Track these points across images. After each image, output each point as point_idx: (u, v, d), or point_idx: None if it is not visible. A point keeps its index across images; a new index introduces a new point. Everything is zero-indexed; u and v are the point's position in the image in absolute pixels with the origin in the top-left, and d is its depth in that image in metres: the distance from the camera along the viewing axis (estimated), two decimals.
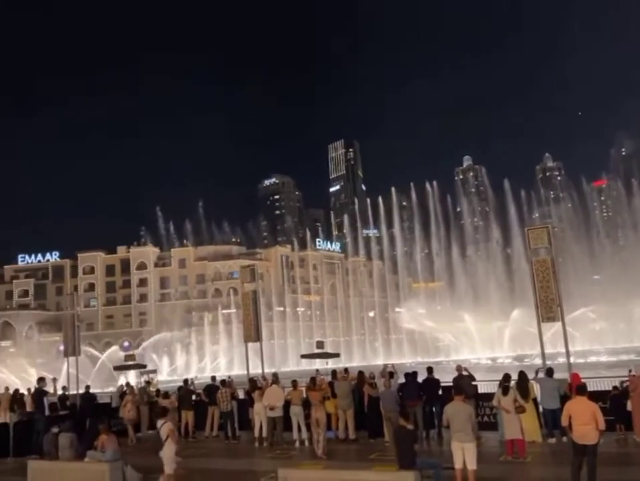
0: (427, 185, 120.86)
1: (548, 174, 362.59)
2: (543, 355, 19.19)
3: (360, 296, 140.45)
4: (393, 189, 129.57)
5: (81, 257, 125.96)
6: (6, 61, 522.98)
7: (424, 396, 17.93)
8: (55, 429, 16.42)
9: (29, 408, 21.31)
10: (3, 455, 18.66)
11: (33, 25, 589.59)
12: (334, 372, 21.35)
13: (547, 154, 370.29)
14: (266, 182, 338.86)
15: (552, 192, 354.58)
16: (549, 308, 19.24)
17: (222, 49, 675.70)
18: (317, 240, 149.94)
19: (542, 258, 19.81)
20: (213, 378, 22.61)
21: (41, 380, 21.75)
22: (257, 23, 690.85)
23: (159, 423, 12.30)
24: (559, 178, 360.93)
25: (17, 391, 23.68)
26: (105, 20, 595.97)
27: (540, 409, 17.13)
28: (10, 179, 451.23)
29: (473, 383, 18.66)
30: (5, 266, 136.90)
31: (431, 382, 18.39)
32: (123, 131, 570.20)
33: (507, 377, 15.71)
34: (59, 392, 24.99)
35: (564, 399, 15.39)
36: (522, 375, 16.60)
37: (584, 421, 10.95)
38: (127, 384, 24.93)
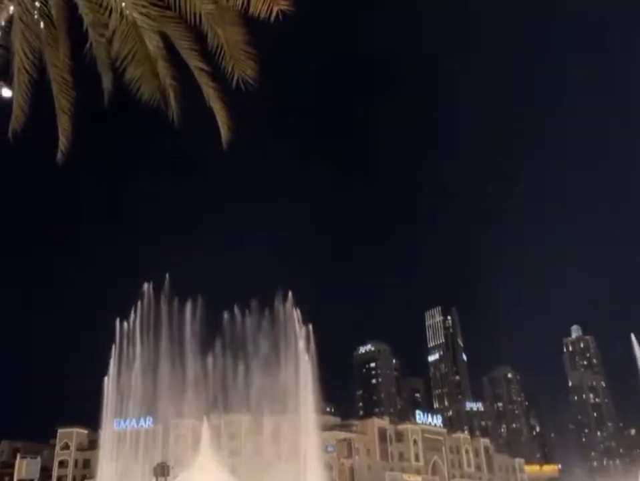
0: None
1: None
2: None
3: (466, 478, 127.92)
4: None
5: (174, 423, 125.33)
6: None
7: None
8: None
9: None
10: None
11: None
12: None
13: None
14: (362, 349, 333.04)
15: None
16: None
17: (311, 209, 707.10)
18: (417, 411, 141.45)
19: None
20: None
21: None
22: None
23: None
24: None
25: None
26: None
27: None
28: None
29: None
30: (100, 431, 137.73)
31: None
32: None
33: None
34: None
35: None
36: None
37: None
38: None
